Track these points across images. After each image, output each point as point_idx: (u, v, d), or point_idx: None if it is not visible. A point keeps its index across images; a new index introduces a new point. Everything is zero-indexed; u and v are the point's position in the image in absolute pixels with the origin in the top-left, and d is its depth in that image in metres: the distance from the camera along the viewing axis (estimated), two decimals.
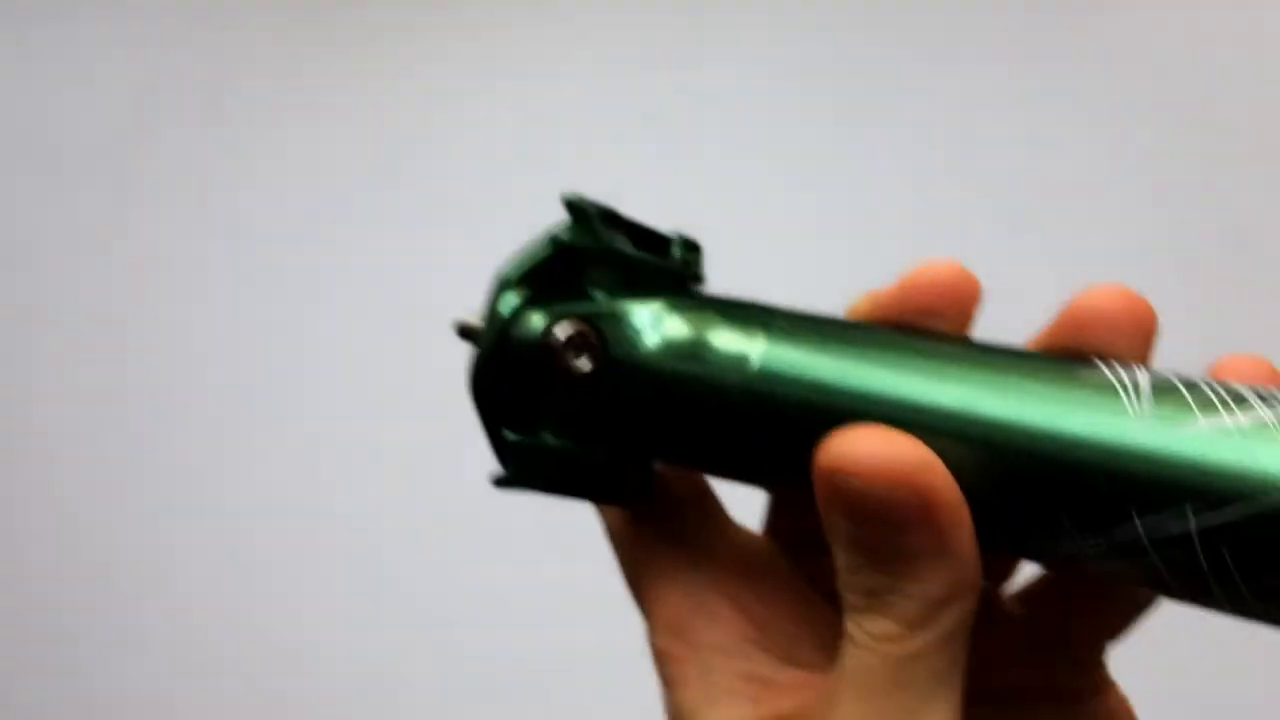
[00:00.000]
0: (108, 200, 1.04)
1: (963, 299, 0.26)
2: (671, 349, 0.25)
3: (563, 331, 0.25)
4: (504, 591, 0.87)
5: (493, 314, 0.26)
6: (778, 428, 0.23)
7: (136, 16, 1.10)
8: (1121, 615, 0.25)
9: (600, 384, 0.25)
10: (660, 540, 0.26)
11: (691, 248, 0.28)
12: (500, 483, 0.26)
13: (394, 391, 0.94)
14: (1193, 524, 0.19)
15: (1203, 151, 0.92)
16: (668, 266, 0.27)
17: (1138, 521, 0.20)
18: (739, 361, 0.24)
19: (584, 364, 0.25)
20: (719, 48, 1.02)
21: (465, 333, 0.27)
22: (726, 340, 0.25)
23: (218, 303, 0.99)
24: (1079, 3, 0.99)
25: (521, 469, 0.26)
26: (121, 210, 1.03)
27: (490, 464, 0.27)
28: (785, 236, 0.92)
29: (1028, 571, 0.26)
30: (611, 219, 0.28)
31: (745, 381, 0.24)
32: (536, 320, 0.26)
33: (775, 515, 0.28)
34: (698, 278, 0.27)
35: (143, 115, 1.06)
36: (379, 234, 0.99)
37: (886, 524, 0.20)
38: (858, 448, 0.21)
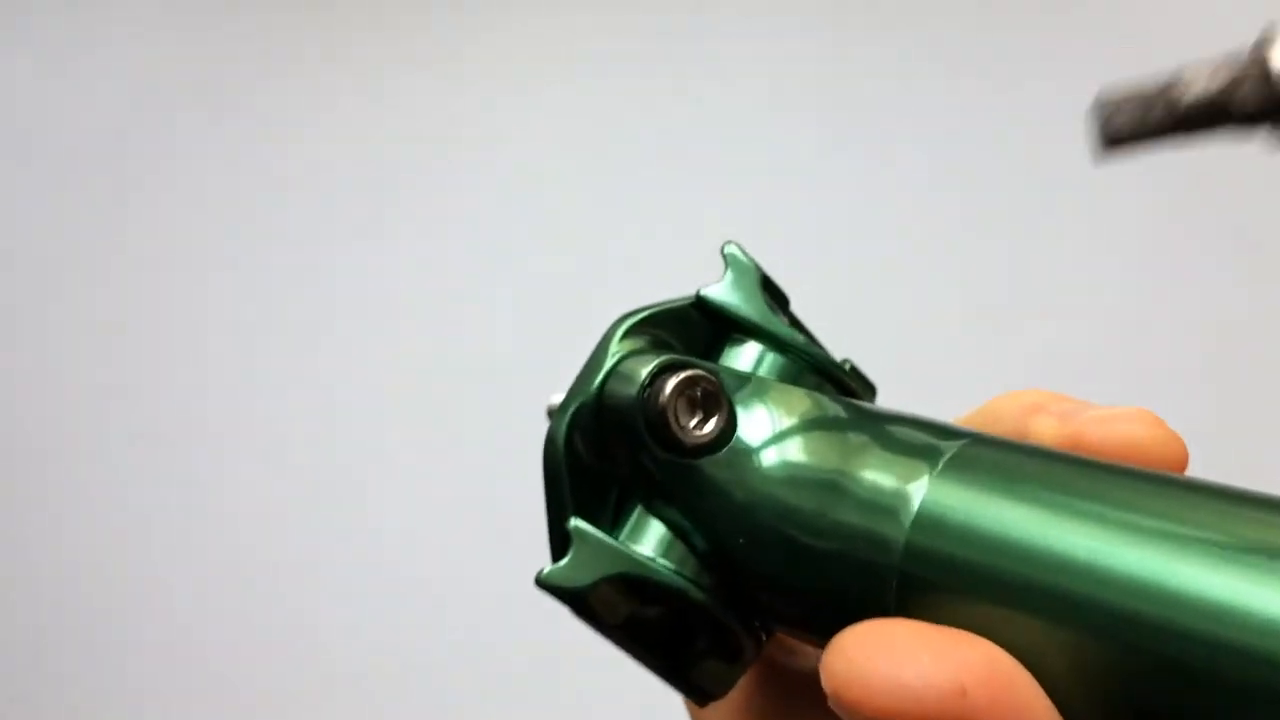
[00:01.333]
0: (108, 200, 1.04)
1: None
2: (810, 464, 0.19)
3: (676, 380, 0.19)
4: (506, 592, 0.87)
5: (594, 358, 0.21)
6: (926, 592, 0.17)
7: (137, 16, 1.10)
8: None
9: (713, 467, 0.19)
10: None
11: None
12: (550, 586, 0.20)
13: (394, 391, 0.94)
14: None
15: (1202, 151, 0.92)
16: (824, 358, 0.21)
17: None
18: (895, 500, 0.18)
19: (700, 429, 0.20)
20: (718, 53, 1.02)
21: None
22: (883, 470, 0.19)
23: (218, 303, 0.99)
24: (1078, 3, 1.00)
25: (580, 576, 0.19)
26: (121, 210, 1.03)
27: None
28: (785, 237, 0.92)
29: None
30: (769, 287, 0.22)
31: (897, 533, 0.18)
32: (643, 364, 0.20)
33: None
34: (849, 388, 0.22)
35: (143, 115, 1.06)
36: (380, 234, 0.99)
37: None
38: (833, 669, 0.16)
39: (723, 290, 0.21)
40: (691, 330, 0.21)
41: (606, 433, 0.20)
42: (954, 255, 0.90)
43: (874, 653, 0.16)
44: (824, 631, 0.18)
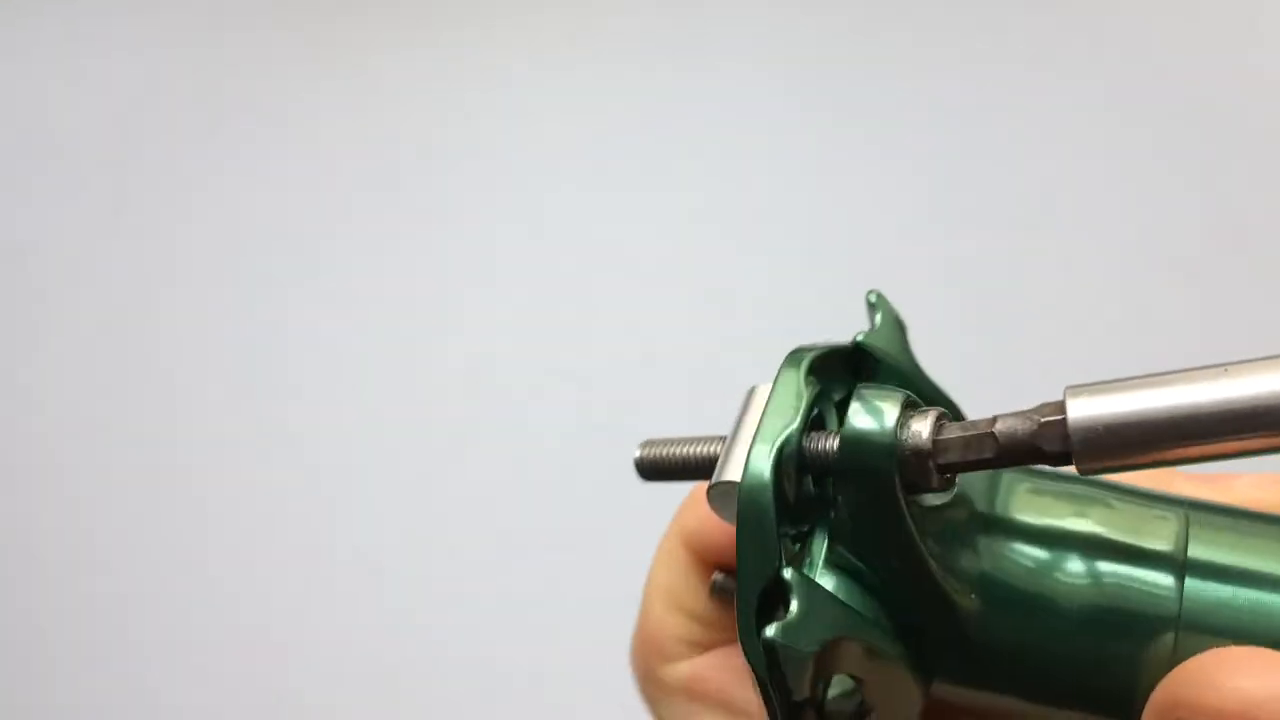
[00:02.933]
0: (108, 200, 1.04)
1: None
2: (1054, 521, 0.19)
3: (932, 417, 0.18)
4: (508, 596, 0.87)
5: (782, 392, 0.19)
6: (1205, 636, 0.18)
7: (137, 16, 1.10)
8: None
9: (952, 511, 0.19)
10: None
11: None
12: (778, 648, 0.17)
13: (396, 395, 0.94)
14: None
15: (1202, 151, 0.92)
16: (957, 411, 0.21)
17: None
18: (1160, 568, 0.18)
19: (938, 494, 0.19)
20: (719, 50, 1.02)
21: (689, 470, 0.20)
22: (1130, 526, 0.19)
23: (218, 303, 0.99)
24: (1078, 3, 1.00)
25: (807, 637, 0.17)
26: (121, 210, 1.03)
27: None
28: (785, 237, 0.92)
29: None
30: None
31: (1169, 583, 0.18)
32: (890, 399, 0.18)
33: None
34: None
35: (143, 115, 1.06)
36: (380, 234, 0.99)
37: None
38: (1241, 687, 0.15)
39: (879, 339, 0.21)
40: (836, 374, 0.21)
41: (807, 473, 0.19)
42: (954, 255, 0.90)
43: (1267, 666, 0.15)
44: (1056, 698, 0.18)
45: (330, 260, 0.99)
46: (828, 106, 0.98)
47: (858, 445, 0.18)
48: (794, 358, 0.20)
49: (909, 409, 0.19)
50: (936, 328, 0.90)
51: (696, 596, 0.25)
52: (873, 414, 0.18)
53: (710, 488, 0.20)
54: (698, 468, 0.21)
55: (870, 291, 0.22)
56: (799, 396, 0.19)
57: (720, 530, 0.24)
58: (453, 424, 0.92)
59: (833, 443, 0.19)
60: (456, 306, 0.96)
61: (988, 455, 0.18)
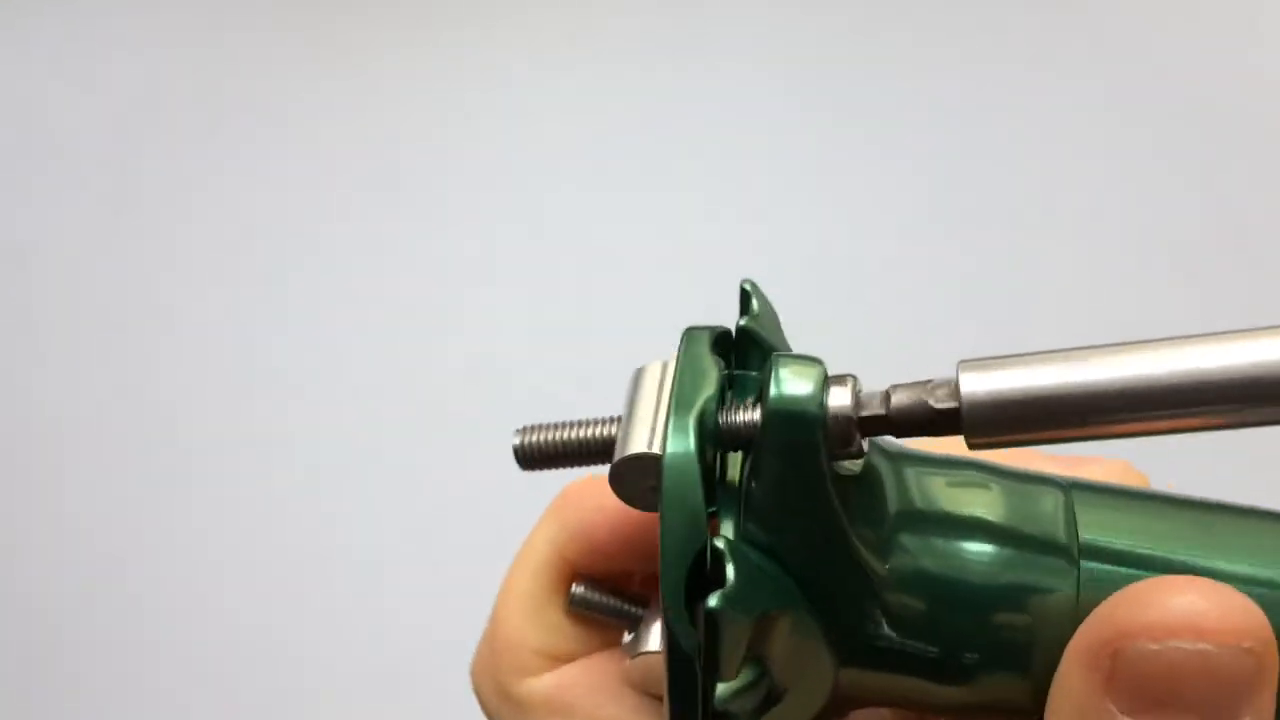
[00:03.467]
0: (108, 200, 1.04)
1: None
2: (963, 515, 0.19)
3: (851, 387, 0.18)
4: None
5: (690, 369, 0.19)
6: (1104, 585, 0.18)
7: (137, 16, 1.10)
8: None
9: (866, 484, 0.19)
10: None
11: None
12: (718, 615, 0.17)
13: (396, 395, 0.94)
14: None
15: (1202, 151, 0.92)
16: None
17: None
18: (1055, 554, 0.19)
19: (854, 461, 0.19)
20: (719, 50, 1.02)
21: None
22: (1019, 491, 0.20)
23: (218, 304, 0.99)
24: (1078, 2, 1.00)
25: (746, 607, 0.17)
26: (121, 210, 1.03)
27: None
28: (785, 237, 0.92)
29: None
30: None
31: (1067, 540, 0.19)
32: (811, 371, 0.18)
33: None
34: None
35: (143, 115, 1.06)
36: (380, 234, 0.99)
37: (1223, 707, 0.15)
38: (1185, 603, 0.15)
39: (759, 325, 0.21)
40: (723, 355, 0.21)
41: (720, 448, 0.19)
42: (954, 254, 0.90)
43: (1208, 588, 0.16)
44: (959, 677, 0.19)
45: (330, 260, 0.99)
46: (828, 106, 0.98)
47: (787, 410, 0.18)
48: (695, 334, 0.20)
49: (835, 380, 0.19)
50: (936, 328, 0.90)
51: (559, 606, 0.23)
52: (800, 379, 0.18)
53: (618, 463, 0.19)
54: (587, 451, 0.20)
55: (745, 280, 0.22)
56: (712, 368, 0.19)
57: (605, 531, 0.22)
58: (452, 424, 0.92)
59: (752, 414, 0.19)
60: (456, 306, 0.96)
61: (882, 414, 0.18)
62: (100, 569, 0.92)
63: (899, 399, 0.18)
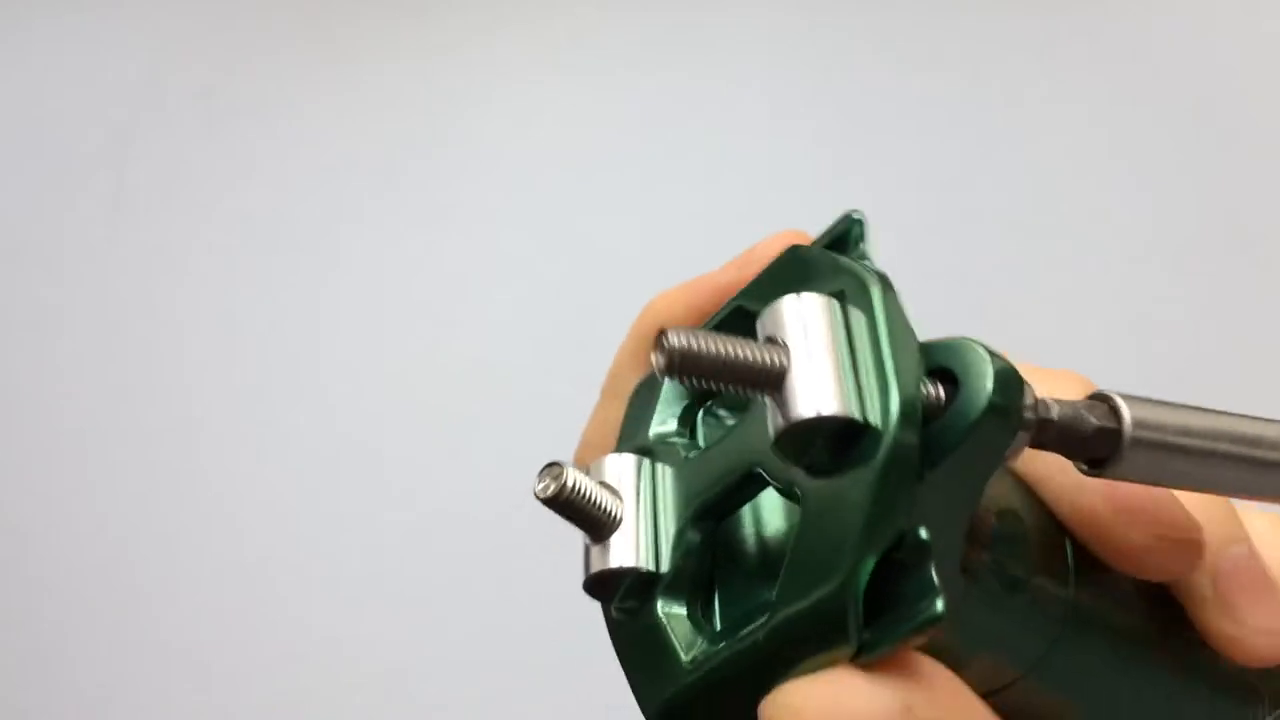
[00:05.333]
0: (108, 200, 1.04)
1: None
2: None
3: (1035, 414, 0.17)
4: (509, 595, 0.87)
5: (905, 343, 0.17)
6: None
7: (137, 16, 1.10)
8: None
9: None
10: None
11: None
12: (937, 618, 0.16)
13: (396, 394, 0.94)
14: None
15: (1202, 150, 0.92)
16: None
17: None
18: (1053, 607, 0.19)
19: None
20: (720, 49, 1.02)
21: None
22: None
23: (218, 303, 0.99)
24: (1078, 2, 1.00)
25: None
26: (121, 210, 1.03)
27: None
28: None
29: None
30: None
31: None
32: (1019, 378, 0.17)
33: None
34: None
35: (143, 115, 1.06)
36: (380, 234, 0.99)
37: None
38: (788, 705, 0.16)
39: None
40: None
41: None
42: (953, 254, 0.90)
43: (813, 692, 0.16)
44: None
45: (330, 259, 0.99)
46: (829, 107, 0.98)
47: (997, 415, 0.17)
48: (887, 284, 0.18)
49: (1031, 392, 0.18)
50: (936, 327, 0.90)
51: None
52: (1011, 381, 0.17)
53: (816, 420, 0.16)
54: (751, 374, 0.17)
55: (856, 211, 0.20)
56: (914, 336, 0.18)
57: (682, 307, 0.22)
58: (452, 424, 0.92)
59: (934, 389, 0.17)
60: (456, 306, 0.96)
61: (1051, 419, 0.18)
62: (98, 568, 0.92)
63: (1062, 411, 0.18)
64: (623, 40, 1.04)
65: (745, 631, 0.17)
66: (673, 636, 0.19)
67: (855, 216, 0.21)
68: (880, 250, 0.22)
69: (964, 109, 0.96)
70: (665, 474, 0.21)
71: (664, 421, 0.22)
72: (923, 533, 0.16)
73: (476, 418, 0.92)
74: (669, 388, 0.22)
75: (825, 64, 1.00)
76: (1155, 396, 0.19)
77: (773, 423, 0.17)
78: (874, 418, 0.16)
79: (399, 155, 1.01)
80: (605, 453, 0.21)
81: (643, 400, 0.23)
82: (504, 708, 0.85)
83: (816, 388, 0.16)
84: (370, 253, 0.99)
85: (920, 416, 0.16)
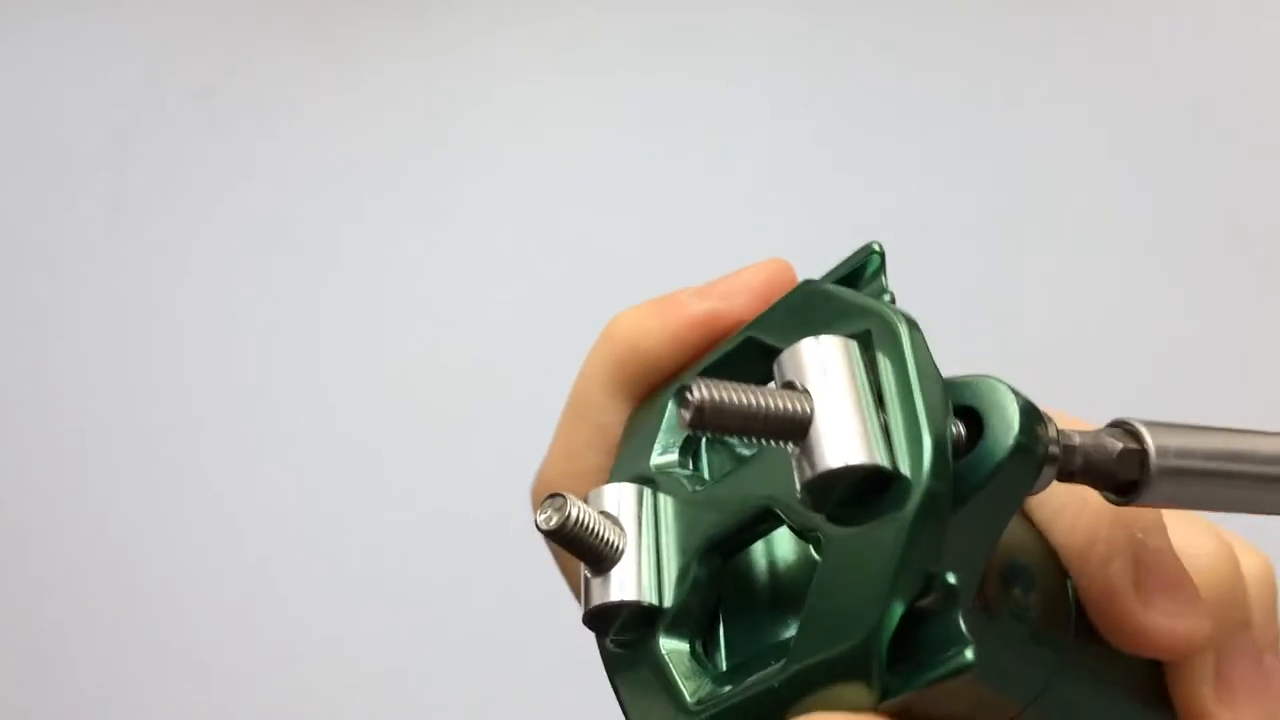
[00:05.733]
0: (108, 200, 1.04)
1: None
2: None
3: (1059, 448, 0.17)
4: (509, 595, 0.87)
5: (930, 381, 0.17)
6: None
7: (136, 16, 1.10)
8: None
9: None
10: None
11: None
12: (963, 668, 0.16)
13: (396, 394, 0.94)
14: None
15: (1202, 150, 0.92)
16: None
17: None
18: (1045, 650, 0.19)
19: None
20: (720, 49, 1.02)
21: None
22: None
23: (218, 303, 0.99)
24: (1078, 2, 1.00)
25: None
26: (121, 210, 1.03)
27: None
28: (785, 237, 0.92)
29: None
30: None
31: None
32: (1029, 405, 0.17)
33: None
34: None
35: (143, 115, 1.06)
36: (380, 234, 0.99)
37: None
38: None
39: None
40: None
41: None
42: (954, 254, 0.90)
43: None
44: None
45: (330, 259, 0.99)
46: (830, 107, 0.98)
47: (1022, 455, 0.17)
48: (913, 325, 0.18)
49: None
50: (935, 327, 0.90)
51: (620, 412, 0.23)
52: (1034, 420, 0.17)
53: (844, 469, 0.16)
54: (775, 423, 0.17)
55: (876, 243, 0.20)
56: (939, 377, 0.17)
57: (655, 338, 0.22)
58: (452, 424, 0.92)
59: (962, 430, 0.17)
60: (456, 306, 0.96)
61: (1075, 471, 0.18)
62: (98, 568, 0.92)
63: (1084, 440, 0.18)
64: (623, 40, 1.04)
65: (759, 676, 0.17)
66: (675, 674, 0.19)
67: (875, 249, 0.21)
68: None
69: (964, 109, 0.96)
70: (668, 505, 0.20)
71: (665, 451, 0.22)
72: (950, 578, 0.16)
73: (476, 418, 0.92)
74: (670, 415, 0.22)
75: (825, 64, 1.00)
76: (1172, 419, 0.19)
77: (799, 472, 0.17)
78: (904, 466, 0.16)
79: (399, 155, 1.01)
80: (574, 481, 0.21)
81: (641, 427, 0.23)
82: (504, 708, 0.85)
83: (843, 437, 0.16)
84: (370, 253, 0.99)
85: (951, 464, 0.16)
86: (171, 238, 1.01)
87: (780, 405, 0.16)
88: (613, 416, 0.23)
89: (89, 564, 0.92)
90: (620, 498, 0.20)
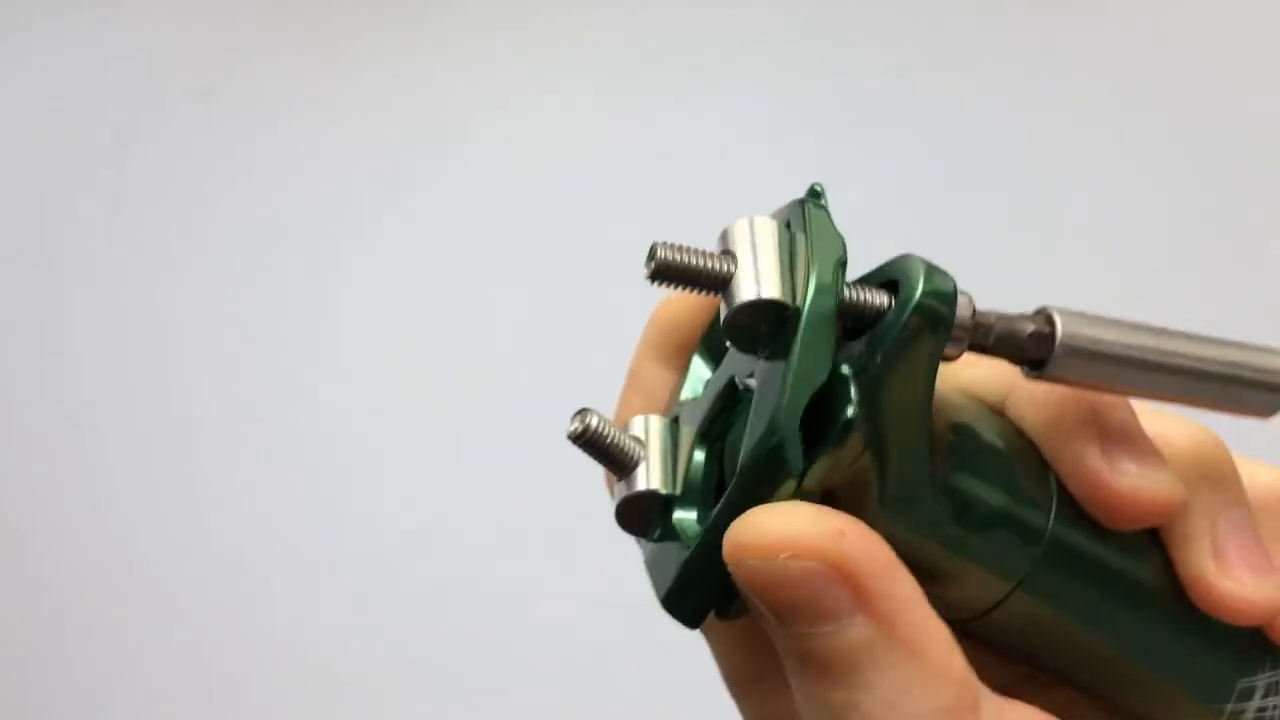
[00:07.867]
0: (108, 200, 1.04)
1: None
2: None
3: (971, 310, 0.20)
4: (509, 595, 0.87)
5: (829, 238, 0.21)
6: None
7: (136, 16, 1.10)
8: None
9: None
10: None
11: None
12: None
13: (395, 395, 0.94)
14: None
15: (1206, 150, 0.92)
16: None
17: None
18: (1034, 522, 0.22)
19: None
20: (720, 50, 1.02)
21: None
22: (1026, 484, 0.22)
23: (218, 304, 0.99)
24: (1079, 2, 1.00)
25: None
26: (121, 210, 1.03)
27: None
28: None
29: None
30: None
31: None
32: (953, 279, 0.20)
33: None
34: None
35: (143, 115, 1.06)
36: (380, 235, 0.99)
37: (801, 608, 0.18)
38: (760, 525, 0.19)
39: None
40: None
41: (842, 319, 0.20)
42: (953, 253, 0.90)
43: (769, 514, 0.19)
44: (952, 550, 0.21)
45: (330, 259, 0.99)
46: (830, 108, 0.98)
47: (932, 305, 0.19)
48: (818, 199, 0.22)
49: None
50: None
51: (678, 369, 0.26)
52: (945, 280, 0.20)
53: (752, 303, 0.20)
54: (710, 280, 0.21)
55: (816, 184, 0.23)
56: (840, 240, 0.20)
57: (689, 308, 0.25)
58: (452, 424, 0.92)
59: (881, 298, 0.20)
60: (457, 306, 0.96)
61: (989, 343, 0.20)
62: (98, 568, 0.92)
63: (1000, 317, 0.20)
64: (623, 40, 1.04)
65: (720, 503, 0.20)
66: (685, 537, 0.21)
67: (816, 189, 0.24)
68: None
69: (964, 109, 0.96)
70: (685, 430, 0.24)
71: (690, 394, 0.25)
72: (844, 369, 0.19)
73: (476, 418, 0.92)
74: (696, 363, 0.25)
75: (825, 64, 1.00)
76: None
77: (723, 318, 0.20)
78: (799, 300, 0.20)
79: (399, 155, 1.01)
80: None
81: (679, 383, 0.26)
82: (504, 708, 0.85)
83: (751, 282, 0.20)
84: (370, 253, 0.99)
85: (837, 291, 0.20)
86: (171, 238, 1.01)
87: (712, 264, 0.20)
88: (659, 384, 0.26)
89: (89, 564, 0.92)
90: (646, 424, 0.23)
